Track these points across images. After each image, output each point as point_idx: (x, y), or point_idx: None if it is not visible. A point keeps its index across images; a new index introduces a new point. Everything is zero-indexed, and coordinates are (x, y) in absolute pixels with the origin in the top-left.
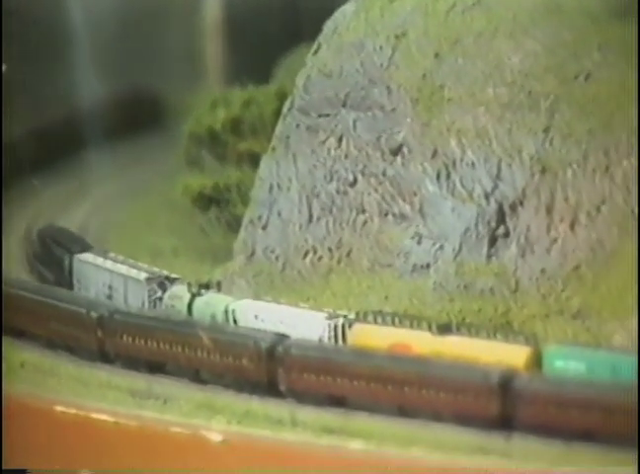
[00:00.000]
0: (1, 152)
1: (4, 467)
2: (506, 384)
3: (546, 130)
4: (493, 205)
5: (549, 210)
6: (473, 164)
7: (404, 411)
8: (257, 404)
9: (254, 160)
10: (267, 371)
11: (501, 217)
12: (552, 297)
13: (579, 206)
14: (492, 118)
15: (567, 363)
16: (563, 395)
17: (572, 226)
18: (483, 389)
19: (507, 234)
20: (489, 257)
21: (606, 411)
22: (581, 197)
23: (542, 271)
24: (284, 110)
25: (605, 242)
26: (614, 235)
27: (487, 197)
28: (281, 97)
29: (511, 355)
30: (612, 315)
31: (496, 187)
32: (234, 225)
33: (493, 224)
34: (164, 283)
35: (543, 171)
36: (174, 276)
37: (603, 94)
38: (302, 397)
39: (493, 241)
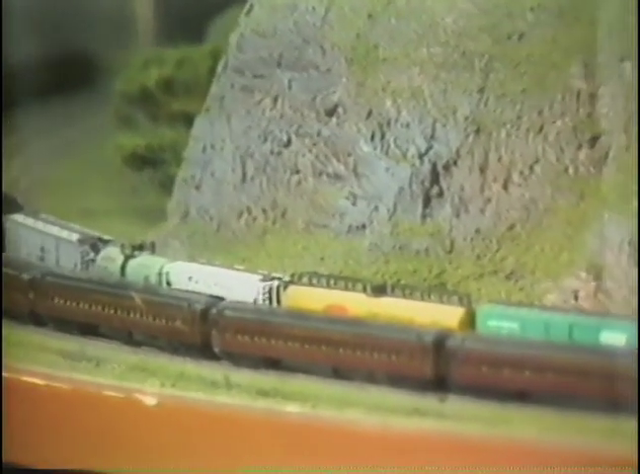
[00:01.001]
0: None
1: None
2: (439, 344)
3: (481, 90)
4: (427, 165)
5: (483, 170)
6: (408, 124)
7: (339, 373)
8: (191, 366)
9: (188, 120)
10: (201, 333)
11: (435, 177)
12: (486, 257)
13: (512, 166)
14: (427, 79)
15: (500, 323)
16: (496, 354)
17: (505, 186)
18: (417, 349)
19: (441, 194)
20: (423, 217)
21: (540, 370)
22: (514, 157)
23: (477, 231)
24: (219, 69)
25: (539, 201)
26: (548, 194)
27: (421, 157)
28: (216, 56)
29: (445, 315)
30: (546, 274)
31: (430, 147)
32: (168, 186)
33: (427, 184)
34: (97, 245)
35: (477, 131)
36: (107, 237)
37: (537, 54)
38: (237, 359)
39: (427, 201)
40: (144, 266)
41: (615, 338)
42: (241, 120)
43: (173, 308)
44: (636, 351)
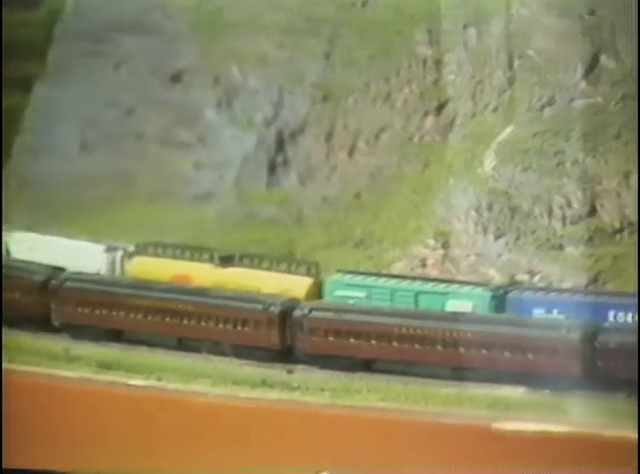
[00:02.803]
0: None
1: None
2: (287, 314)
3: (327, 57)
4: (273, 133)
5: (329, 138)
6: (255, 91)
7: (185, 344)
8: (31, 339)
9: (26, 86)
10: (40, 305)
11: (280, 145)
12: (334, 226)
13: (359, 134)
14: (272, 45)
15: (348, 292)
16: (343, 324)
17: (352, 154)
18: (264, 320)
19: (287, 162)
20: (270, 185)
21: (386, 338)
22: (361, 125)
23: (324, 199)
24: (56, 34)
25: (385, 169)
26: (394, 162)
27: (268, 124)
28: (53, 21)
29: (293, 285)
30: (394, 243)
31: (277, 114)
32: (8, 153)
33: (272, 152)
34: None
35: (325, 98)
36: None
37: (382, 20)
38: (78, 332)
39: (273, 169)
40: None
41: (462, 305)
42: (82, 87)
43: (11, 279)
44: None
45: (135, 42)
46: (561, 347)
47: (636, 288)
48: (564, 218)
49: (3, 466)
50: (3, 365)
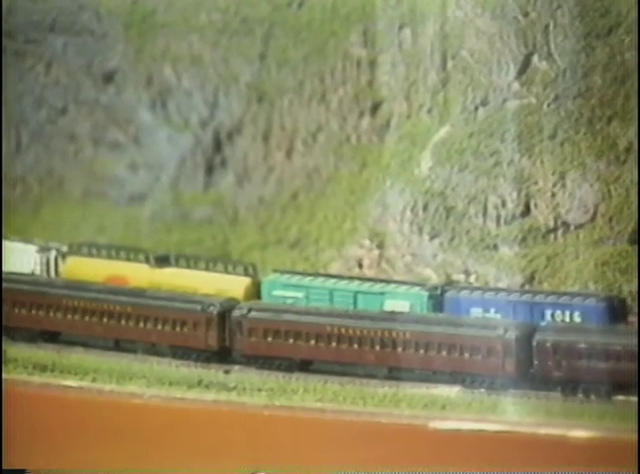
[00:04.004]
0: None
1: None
2: (224, 315)
3: (262, 57)
4: (209, 134)
5: (266, 138)
6: (189, 92)
7: (121, 345)
8: None
9: None
10: None
11: (217, 146)
12: (270, 226)
13: (295, 134)
14: (207, 45)
15: (286, 292)
16: (281, 324)
17: (289, 154)
18: (202, 320)
19: (224, 163)
20: (206, 186)
21: (325, 339)
22: (297, 125)
23: (260, 200)
24: None
25: (322, 170)
26: (331, 163)
27: (203, 125)
28: None
29: (230, 285)
30: (330, 243)
31: (212, 115)
32: None
33: (209, 153)
34: None
35: (260, 98)
36: None
37: (317, 21)
38: (13, 333)
39: (210, 170)
40: None
41: (399, 305)
42: (14, 86)
43: None
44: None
45: (67, 42)
46: (498, 346)
47: (573, 288)
48: (498, 218)
49: None
50: None
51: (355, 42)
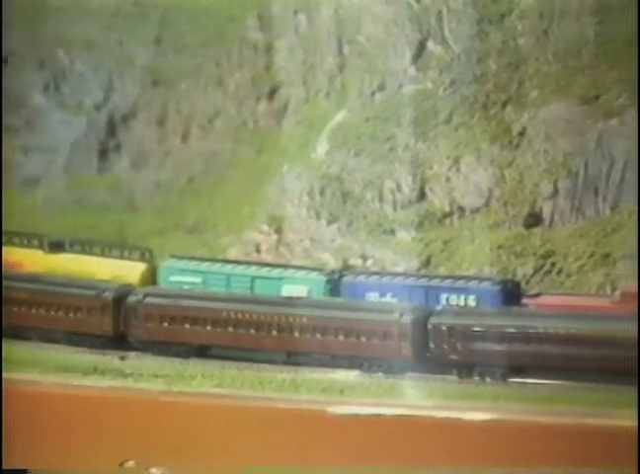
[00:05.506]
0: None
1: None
2: (120, 300)
3: (158, 41)
4: (104, 117)
5: (161, 123)
6: (83, 75)
7: (16, 333)
8: None
9: None
10: None
11: (112, 129)
12: (167, 211)
13: (192, 118)
14: (100, 28)
15: (183, 278)
16: (178, 309)
17: (185, 138)
18: (97, 306)
19: (118, 146)
20: (101, 170)
21: (222, 324)
22: (194, 110)
23: (156, 184)
24: None
25: (219, 154)
26: (228, 147)
27: (98, 108)
28: None
29: (126, 270)
30: (228, 228)
31: (107, 98)
32: None
33: (103, 136)
34: None
35: (155, 82)
36: None
37: (215, 6)
38: None
39: (104, 153)
40: None
41: (297, 290)
42: None
43: None
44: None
45: None
46: (394, 330)
47: (469, 271)
48: (395, 203)
49: None
50: None
51: (251, 27)
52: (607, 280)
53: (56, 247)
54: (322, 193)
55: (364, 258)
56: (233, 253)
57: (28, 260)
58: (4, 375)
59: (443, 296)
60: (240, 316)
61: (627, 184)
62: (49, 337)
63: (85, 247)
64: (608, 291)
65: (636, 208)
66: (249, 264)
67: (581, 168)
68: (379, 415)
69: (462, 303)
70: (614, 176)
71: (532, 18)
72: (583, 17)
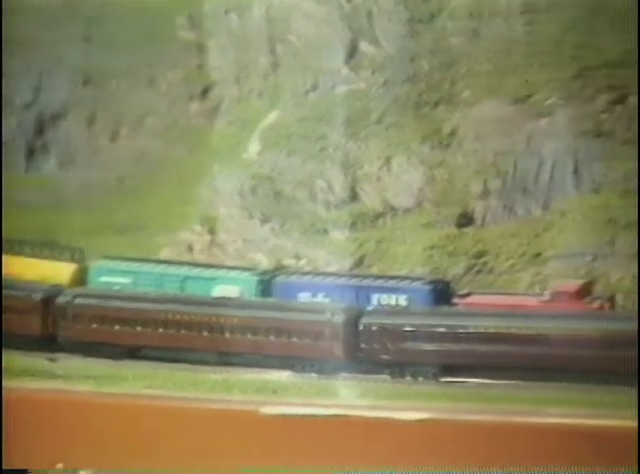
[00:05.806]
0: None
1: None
2: (49, 301)
3: (87, 40)
4: (32, 116)
5: (91, 122)
6: (13, 74)
7: None
8: None
9: None
10: None
11: (40, 129)
12: (97, 212)
13: (121, 118)
14: (30, 27)
15: (113, 278)
16: (108, 310)
17: (113, 138)
18: (26, 307)
19: (46, 146)
20: (29, 170)
21: (153, 324)
22: (124, 109)
23: (85, 184)
24: None
25: (150, 153)
26: (159, 147)
27: (27, 107)
28: None
29: (55, 271)
30: (160, 228)
31: (36, 97)
32: None
33: (30, 136)
34: None
35: (86, 82)
36: None
37: (147, 5)
38: None
39: (31, 153)
40: None
41: (229, 290)
42: None
43: None
44: None
45: None
46: (325, 330)
47: (401, 271)
48: (327, 203)
49: None
50: None
51: (183, 26)
52: (537, 280)
53: None
54: (254, 193)
55: (298, 258)
56: (166, 253)
57: None
58: None
59: (375, 296)
60: (171, 316)
61: (557, 183)
62: None
63: (14, 247)
64: (538, 290)
65: (567, 208)
66: (181, 264)
67: (510, 168)
68: (312, 415)
69: (394, 303)
70: (544, 175)
71: (462, 18)
72: (511, 17)
